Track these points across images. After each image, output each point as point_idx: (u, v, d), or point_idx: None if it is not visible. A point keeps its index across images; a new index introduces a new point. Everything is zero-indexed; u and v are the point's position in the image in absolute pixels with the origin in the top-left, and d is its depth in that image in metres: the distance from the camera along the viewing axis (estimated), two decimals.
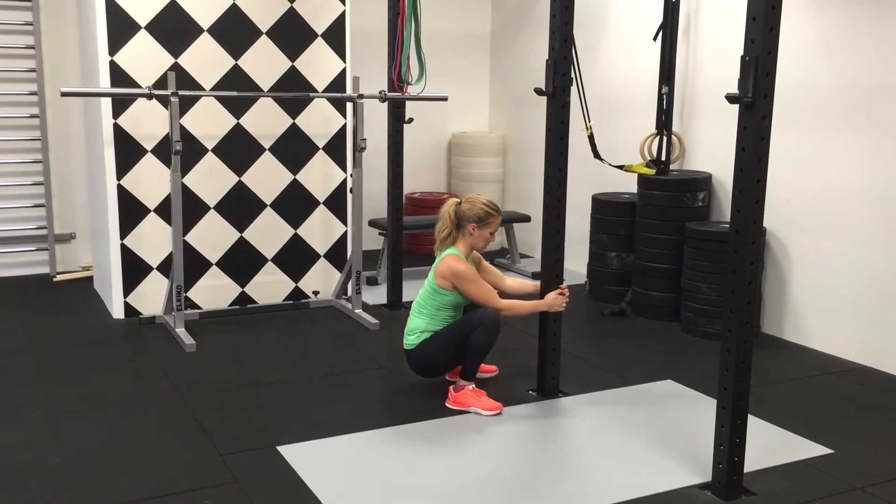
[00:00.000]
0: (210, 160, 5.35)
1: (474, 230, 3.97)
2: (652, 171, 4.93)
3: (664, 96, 5.47)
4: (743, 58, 2.84)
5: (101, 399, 4.02)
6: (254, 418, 3.82)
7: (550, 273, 3.98)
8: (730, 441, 3.08)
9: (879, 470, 3.39)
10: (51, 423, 3.73)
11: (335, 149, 5.71)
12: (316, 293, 5.79)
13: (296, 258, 5.71)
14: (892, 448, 3.61)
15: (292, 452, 3.44)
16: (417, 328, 4.02)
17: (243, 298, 5.59)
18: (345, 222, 5.82)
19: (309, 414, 3.87)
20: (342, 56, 5.64)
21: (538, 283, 4.07)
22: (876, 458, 3.50)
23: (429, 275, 4.04)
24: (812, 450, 3.54)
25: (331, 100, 5.61)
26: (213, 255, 5.46)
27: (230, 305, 5.55)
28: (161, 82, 4.97)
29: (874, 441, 3.68)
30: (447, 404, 3.95)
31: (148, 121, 5.14)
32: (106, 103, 5.05)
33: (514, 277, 4.50)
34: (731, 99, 2.89)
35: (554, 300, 3.95)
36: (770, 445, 3.55)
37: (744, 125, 2.89)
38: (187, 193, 5.21)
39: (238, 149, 5.41)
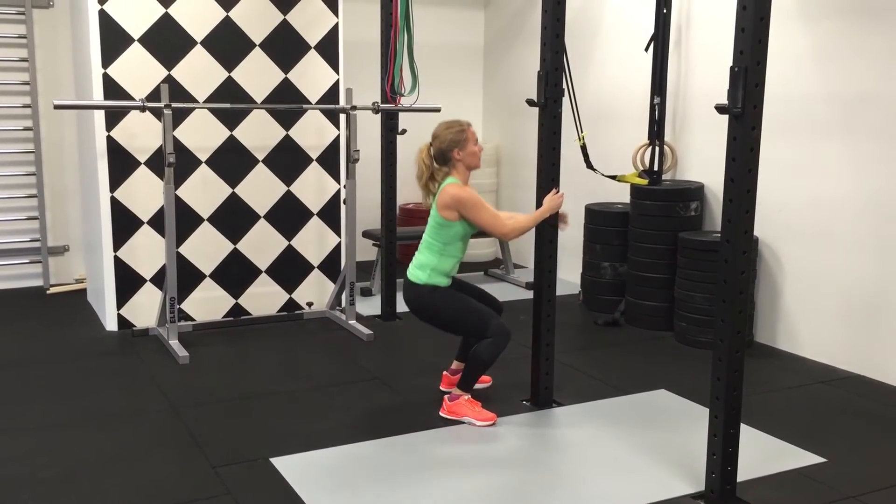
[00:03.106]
0: (204, 172, 5.36)
1: (459, 154, 3.90)
2: (644, 181, 4.95)
3: (656, 107, 5.49)
4: (732, 69, 2.86)
5: (93, 411, 4.01)
6: (247, 430, 3.81)
7: (543, 283, 3.99)
8: (723, 450, 3.09)
9: (873, 478, 3.40)
10: (43, 435, 3.71)
11: (328, 160, 5.72)
12: (310, 304, 5.79)
13: (289, 269, 5.71)
14: (886, 456, 3.61)
15: (286, 464, 3.44)
16: (428, 264, 3.93)
17: (237, 310, 5.59)
18: (338, 233, 5.83)
19: (303, 426, 3.87)
20: (335, 68, 5.65)
21: (535, 213, 4.03)
22: (870, 467, 3.50)
23: (431, 212, 3.95)
24: (805, 459, 3.54)
25: (324, 111, 5.63)
26: (207, 266, 5.46)
27: (224, 317, 5.55)
28: (154, 95, 4.98)
29: (868, 450, 3.69)
30: (441, 413, 3.95)
31: (141, 133, 5.14)
32: (99, 116, 5.06)
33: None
34: (720, 110, 2.91)
35: (552, 202, 3.89)
36: (763, 454, 3.56)
37: (733, 136, 2.91)
38: (181, 205, 5.22)
39: (231, 160, 5.42)
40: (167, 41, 5.16)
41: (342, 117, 5.59)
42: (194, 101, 5.25)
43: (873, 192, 4.51)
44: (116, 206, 5.17)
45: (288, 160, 5.59)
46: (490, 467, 3.48)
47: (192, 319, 5.41)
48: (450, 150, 3.89)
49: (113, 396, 4.22)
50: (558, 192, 3.92)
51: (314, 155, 5.67)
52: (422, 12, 6.03)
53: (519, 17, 7.39)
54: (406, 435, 3.75)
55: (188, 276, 5.35)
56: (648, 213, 5.44)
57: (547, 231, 3.94)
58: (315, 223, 5.75)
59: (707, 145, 5.48)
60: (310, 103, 5.58)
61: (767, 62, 2.87)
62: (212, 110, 5.29)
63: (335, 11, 5.61)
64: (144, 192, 5.22)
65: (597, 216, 5.87)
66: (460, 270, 4.10)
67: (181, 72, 5.21)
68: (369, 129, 6.01)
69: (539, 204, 3.94)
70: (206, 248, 5.43)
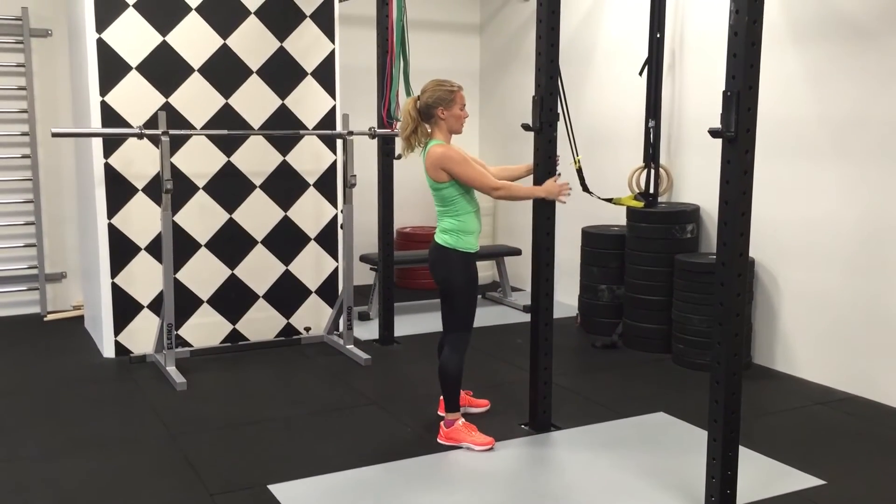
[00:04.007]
0: (201, 198, 5.37)
1: (443, 113, 3.87)
2: (640, 204, 4.96)
3: (651, 130, 5.53)
4: (725, 93, 2.89)
5: (91, 439, 3.99)
6: (245, 457, 3.80)
7: (541, 306, 3.99)
8: (721, 473, 3.08)
9: (873, 500, 3.39)
10: (40, 463, 3.70)
11: (326, 185, 5.74)
12: (307, 329, 5.79)
13: (287, 294, 5.72)
14: (885, 478, 3.60)
15: (284, 491, 3.42)
16: (450, 228, 3.85)
17: (235, 335, 5.58)
18: (336, 258, 5.84)
19: (300, 452, 3.85)
20: (332, 94, 5.69)
21: (530, 164, 3.99)
22: (869, 488, 3.50)
23: (426, 179, 3.89)
24: (805, 481, 3.53)
25: (321, 137, 5.65)
26: (205, 292, 5.46)
27: (221, 342, 5.54)
28: (152, 122, 5.01)
29: (867, 471, 3.68)
30: (439, 440, 3.94)
31: (139, 160, 5.17)
32: (97, 143, 5.08)
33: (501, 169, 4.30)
34: (714, 133, 2.94)
35: (551, 186, 3.83)
36: (762, 477, 3.55)
37: (727, 159, 2.93)
38: (178, 231, 5.23)
39: (229, 186, 5.44)
40: (165, 69, 5.19)
41: (339, 142, 5.62)
42: (192, 127, 5.28)
43: (867, 213, 4.53)
44: (114, 232, 5.18)
45: (285, 185, 5.61)
46: (489, 492, 3.46)
47: (190, 345, 5.40)
48: (436, 106, 3.87)
49: (110, 423, 4.21)
50: (558, 179, 3.86)
51: (311, 180, 5.69)
52: (417, 38, 6.09)
53: (514, 42, 7.45)
54: (404, 461, 3.74)
55: (186, 302, 5.35)
56: (645, 236, 5.46)
57: (543, 254, 3.95)
58: (312, 248, 5.76)
59: (702, 168, 5.51)
60: (307, 129, 5.61)
61: (760, 86, 2.90)
62: (209, 137, 5.32)
63: (332, 38, 5.66)
64: (142, 219, 5.23)
65: (593, 239, 5.89)
66: None
67: (179, 99, 5.24)
68: (366, 153, 6.04)
69: (534, 235, 3.94)
70: (204, 273, 5.44)
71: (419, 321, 6.12)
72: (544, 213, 3.91)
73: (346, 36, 5.97)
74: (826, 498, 3.39)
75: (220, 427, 4.16)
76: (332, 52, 5.67)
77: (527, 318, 4.94)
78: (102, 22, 5.01)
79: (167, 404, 4.47)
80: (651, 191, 5.53)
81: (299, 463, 3.70)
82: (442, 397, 4.28)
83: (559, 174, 3.90)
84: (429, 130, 3.93)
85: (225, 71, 5.35)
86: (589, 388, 4.77)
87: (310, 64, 5.60)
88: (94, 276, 5.40)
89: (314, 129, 5.63)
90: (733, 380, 3.04)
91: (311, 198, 5.71)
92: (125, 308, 5.28)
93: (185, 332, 5.41)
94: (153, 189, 5.19)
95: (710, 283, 3.04)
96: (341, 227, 5.61)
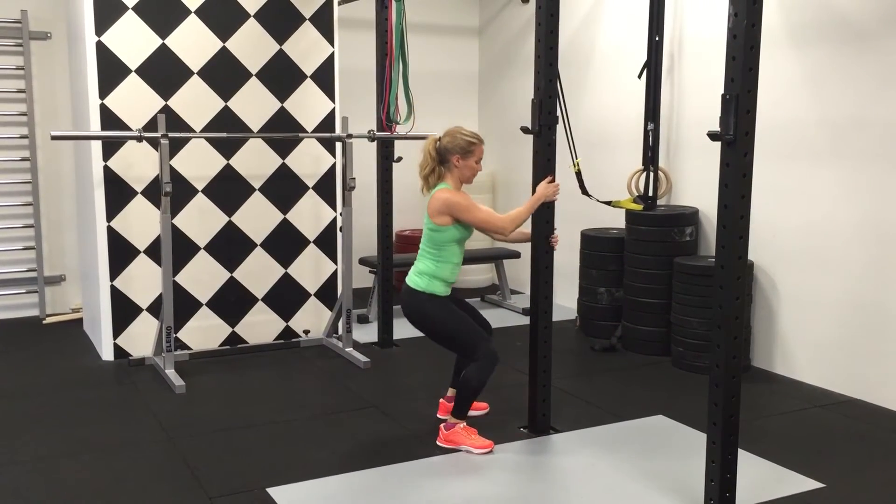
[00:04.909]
0: (200, 201, 5.37)
1: (458, 161, 3.90)
2: (639, 207, 4.96)
3: (650, 133, 5.52)
4: (723, 96, 2.89)
5: (90, 442, 3.99)
6: (244, 460, 3.79)
7: (540, 309, 3.99)
8: (720, 476, 3.08)
9: (872, 503, 3.38)
10: (38, 467, 3.69)
11: (325, 188, 5.74)
12: (307, 332, 5.79)
13: (286, 297, 5.71)
14: (885, 481, 3.60)
15: (282, 494, 3.42)
16: (426, 271, 3.92)
17: (234, 338, 5.58)
18: (335, 261, 5.84)
19: (300, 455, 3.85)
20: (331, 97, 5.69)
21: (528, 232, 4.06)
22: (868, 492, 3.49)
23: (424, 217, 3.94)
24: (804, 484, 3.53)
25: (320, 140, 5.66)
26: (204, 295, 5.46)
27: (220, 346, 5.54)
28: (151, 125, 5.02)
29: (866, 474, 3.68)
30: (438, 442, 3.93)
31: (138, 163, 5.17)
32: (96, 146, 5.08)
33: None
34: (713, 136, 2.94)
35: (546, 189, 3.87)
36: (762, 480, 3.55)
37: (726, 162, 2.94)
38: (177, 234, 5.23)
39: (228, 189, 5.44)
40: (164, 72, 5.19)
41: (338, 145, 5.63)
42: (191, 130, 5.28)
43: (866, 216, 4.53)
44: (113, 235, 5.18)
45: (284, 188, 5.61)
46: (487, 495, 3.46)
47: (189, 348, 5.40)
48: (452, 153, 3.89)
49: (109, 426, 4.20)
50: (553, 180, 3.89)
51: (310, 183, 5.69)
52: (416, 41, 6.10)
53: (513, 45, 7.46)
54: (403, 463, 3.74)
55: (185, 305, 5.35)
56: (644, 239, 5.46)
57: (543, 257, 3.95)
58: (311, 251, 5.76)
59: (701, 170, 5.51)
60: (306, 132, 5.61)
61: (759, 89, 2.90)
62: (208, 139, 5.32)
63: (331, 41, 5.66)
64: (141, 222, 5.23)
65: (592, 242, 5.89)
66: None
67: (178, 102, 5.24)
68: (365, 156, 6.04)
69: (533, 238, 3.95)
70: (203, 276, 5.44)
71: None
72: (543, 217, 3.92)
73: (345, 39, 5.97)
74: (825, 501, 3.39)
75: (218, 430, 4.16)
76: (332, 55, 5.67)
77: (526, 320, 4.94)
78: (102, 25, 5.01)
79: (166, 407, 4.46)
80: (650, 194, 5.53)
81: (298, 466, 3.70)
82: (442, 400, 4.30)
83: (550, 178, 3.90)
84: (442, 172, 3.95)
85: (224, 74, 5.36)
86: (588, 391, 4.77)
87: (309, 67, 5.60)
88: (94, 279, 5.40)
89: (313, 131, 5.63)
90: (732, 383, 3.04)
91: (311, 201, 5.71)
92: (124, 311, 5.28)
93: (185, 334, 5.41)
94: (152, 192, 5.19)
95: (709, 286, 3.05)
96: (340, 230, 5.61)
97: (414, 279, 3.95)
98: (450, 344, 4.02)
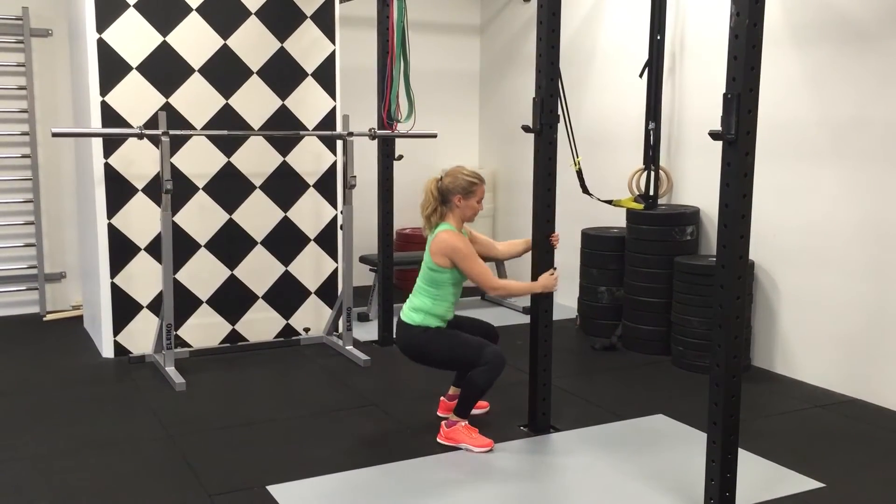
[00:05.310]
0: (201, 198, 5.37)
1: (460, 202, 3.93)
2: (640, 206, 4.97)
3: (651, 132, 5.52)
4: (725, 95, 2.89)
5: (90, 440, 3.99)
6: (244, 458, 3.79)
7: (540, 308, 3.99)
8: (721, 476, 3.08)
9: (872, 503, 3.38)
10: (38, 464, 3.69)
11: (325, 186, 5.74)
12: (307, 330, 5.79)
13: (287, 295, 5.71)
14: (885, 481, 3.60)
15: (283, 492, 3.42)
16: (422, 308, 3.95)
17: (234, 336, 5.58)
18: (335, 259, 5.84)
19: (300, 453, 3.85)
20: (332, 94, 5.69)
21: (528, 239, 4.09)
22: (868, 492, 3.49)
23: (425, 254, 3.98)
24: (804, 484, 3.53)
25: (321, 138, 5.65)
26: (204, 292, 5.46)
27: (221, 343, 5.54)
28: (152, 122, 5.01)
29: (866, 474, 3.68)
30: (438, 440, 3.94)
31: (139, 160, 5.17)
32: (97, 143, 5.08)
33: (504, 242, 4.47)
34: (714, 136, 2.94)
35: (547, 281, 3.93)
36: (762, 480, 3.55)
37: (727, 161, 2.93)
38: (178, 232, 5.23)
39: (229, 187, 5.44)
40: (165, 69, 5.19)
41: (339, 143, 5.62)
42: (192, 128, 5.27)
43: (867, 216, 4.53)
44: (113, 232, 5.18)
45: (285, 186, 5.61)
46: (487, 494, 3.46)
47: (189, 346, 5.40)
48: (454, 193, 3.94)
49: (109, 424, 4.20)
50: (555, 273, 3.95)
51: (311, 181, 5.69)
52: (418, 39, 6.10)
53: (514, 43, 7.45)
54: (403, 461, 3.74)
55: (185, 303, 5.35)
56: (645, 238, 5.46)
57: (544, 256, 3.95)
58: (312, 249, 5.76)
59: (702, 170, 5.51)
60: (307, 130, 5.61)
61: (760, 88, 2.90)
62: (209, 137, 5.32)
63: (332, 39, 5.66)
64: (142, 219, 5.23)
65: (593, 241, 5.89)
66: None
67: (179, 99, 5.24)
68: (366, 154, 6.04)
69: (534, 237, 3.95)
70: (203, 274, 5.44)
71: None
72: (544, 216, 3.91)
73: (346, 37, 5.97)
74: (825, 501, 3.39)
75: (219, 427, 4.16)
76: (333, 53, 5.67)
77: (526, 319, 4.95)
78: (103, 22, 5.01)
79: (166, 405, 4.46)
80: (651, 193, 5.53)
81: (298, 464, 3.70)
82: (442, 398, 4.30)
83: (555, 269, 3.96)
84: (444, 211, 3.99)
85: (225, 71, 5.35)
86: (588, 390, 4.77)
87: (310, 65, 5.60)
88: (94, 276, 5.40)
89: (314, 129, 5.63)
90: (733, 382, 3.03)
91: (311, 198, 5.71)
92: (124, 308, 5.28)
93: (185, 332, 5.41)
94: (153, 189, 5.19)
95: (709, 285, 3.05)
96: (341, 228, 5.61)
97: (409, 314, 3.99)
98: (454, 366, 4.08)
